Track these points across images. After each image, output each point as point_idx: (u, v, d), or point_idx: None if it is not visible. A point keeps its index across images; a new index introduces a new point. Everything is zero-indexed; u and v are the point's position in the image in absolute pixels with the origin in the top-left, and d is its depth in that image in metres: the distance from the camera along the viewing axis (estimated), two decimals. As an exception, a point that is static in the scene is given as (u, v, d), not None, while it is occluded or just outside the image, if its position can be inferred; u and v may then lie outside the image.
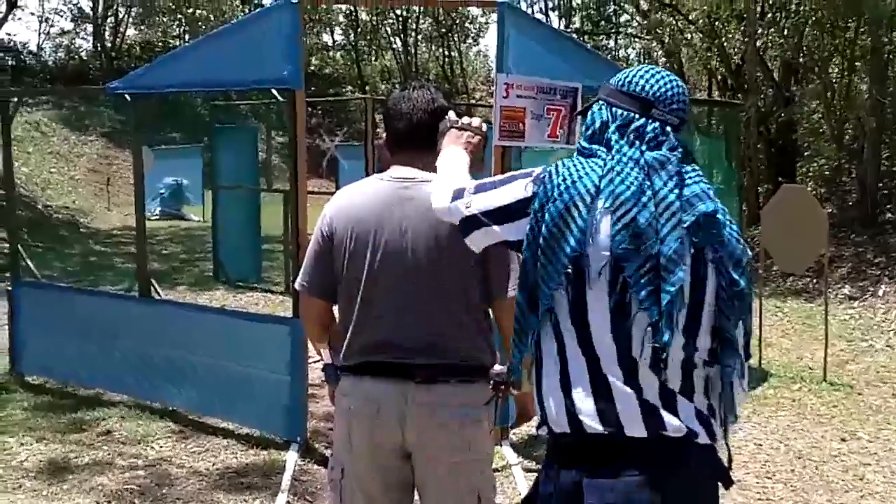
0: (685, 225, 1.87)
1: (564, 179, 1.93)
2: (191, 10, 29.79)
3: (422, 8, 31.72)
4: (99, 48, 33.45)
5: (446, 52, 36.67)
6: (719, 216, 1.92)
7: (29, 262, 7.31)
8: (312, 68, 33.17)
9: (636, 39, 30.75)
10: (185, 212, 21.66)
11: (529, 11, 32.63)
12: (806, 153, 15.81)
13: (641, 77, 2.02)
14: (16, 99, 7.86)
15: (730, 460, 2.01)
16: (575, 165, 1.96)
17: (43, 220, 17.58)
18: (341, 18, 36.60)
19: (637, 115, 1.98)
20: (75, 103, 26.21)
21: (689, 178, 1.94)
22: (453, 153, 2.42)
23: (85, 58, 33.66)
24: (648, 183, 1.88)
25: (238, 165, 11.95)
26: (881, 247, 11.36)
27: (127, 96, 6.39)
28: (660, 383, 1.89)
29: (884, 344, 8.54)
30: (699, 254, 1.89)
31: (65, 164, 23.61)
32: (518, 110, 5.29)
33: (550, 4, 36.42)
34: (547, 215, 1.91)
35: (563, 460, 1.98)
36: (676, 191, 1.89)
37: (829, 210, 12.44)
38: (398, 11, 34.48)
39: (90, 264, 14.36)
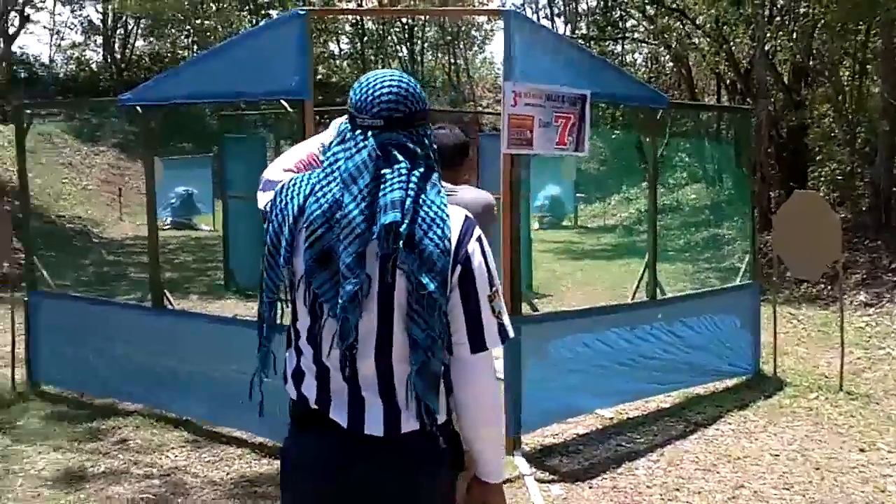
0: (374, 236, 2.00)
1: (281, 201, 2.13)
2: (199, 21, 29.87)
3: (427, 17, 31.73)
4: (109, 59, 33.69)
5: (452, 60, 36.69)
6: (404, 227, 1.99)
7: (44, 273, 7.32)
8: (319, 77, 33.20)
9: (643, 44, 30.71)
10: (196, 221, 21.69)
11: (535, 18, 32.66)
12: (818, 157, 15.72)
13: (353, 90, 2.15)
14: (30, 111, 7.88)
15: (452, 452, 2.16)
16: (295, 185, 2.13)
17: (56, 231, 17.64)
18: (347, 28, 36.66)
19: (349, 127, 2.13)
20: (87, 115, 26.30)
21: (390, 184, 2.03)
22: (331, 127, 2.41)
23: (95, 69, 33.88)
24: (342, 199, 2.03)
25: (248, 174, 11.92)
26: (896, 252, 11.28)
27: (138, 108, 6.40)
28: (343, 379, 2.09)
29: (900, 351, 8.47)
30: (386, 262, 2.01)
31: (77, 175, 23.69)
32: (526, 118, 5.28)
33: (556, 11, 36.56)
34: (268, 234, 2.16)
35: (291, 417, 2.25)
36: (363, 204, 2.01)
37: (843, 215, 12.35)
38: (404, 20, 34.53)
39: (104, 274, 14.38)
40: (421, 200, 2.03)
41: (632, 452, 5.64)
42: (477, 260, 2.08)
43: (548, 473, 5.25)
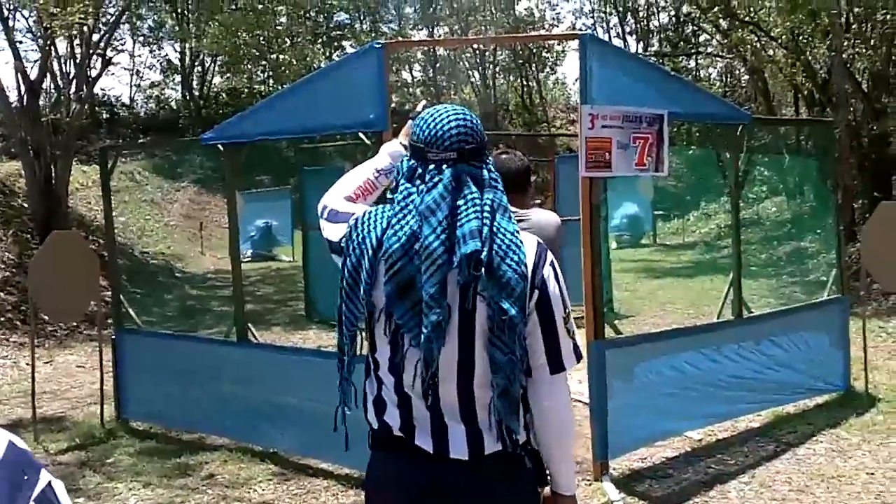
0: (455, 266, 2.04)
1: (359, 235, 2.18)
2: (274, 56, 30.45)
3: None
4: (187, 97, 34.48)
5: (525, 82, 36.72)
6: (483, 255, 2.04)
7: (130, 310, 7.51)
8: (393, 105, 33.44)
9: (717, 58, 30.34)
10: (276, 253, 22.03)
11: (607, 37, 32.52)
12: (902, 166, 15.29)
13: (418, 126, 2.20)
14: (114, 152, 8.12)
15: (536, 471, 2.23)
16: (370, 219, 2.19)
17: (140, 267, 18.06)
18: (420, 55, 36.99)
19: (419, 163, 2.17)
20: (168, 152, 26.97)
21: (465, 215, 2.08)
22: (381, 152, 2.55)
23: (174, 107, 34.74)
24: (419, 232, 2.08)
25: (327, 206, 12.10)
26: None
27: (220, 146, 6.55)
28: (426, 407, 2.14)
29: None
30: (466, 290, 2.07)
31: (159, 212, 24.28)
32: (604, 140, 5.25)
33: (627, 29, 36.38)
34: (346, 268, 2.20)
35: (371, 446, 2.29)
36: (443, 236, 2.06)
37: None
38: (475, 45, 34.69)
39: (187, 309, 14.69)
40: (496, 228, 2.10)
41: (723, 474, 5.53)
42: (552, 284, 2.16)
43: (637, 499, 5.18)
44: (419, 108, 2.53)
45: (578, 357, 2.21)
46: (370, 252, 2.13)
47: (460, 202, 2.09)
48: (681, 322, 10.54)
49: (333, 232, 2.30)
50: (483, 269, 2.04)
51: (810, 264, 14.97)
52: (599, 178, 5.56)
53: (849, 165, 14.85)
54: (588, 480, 5.37)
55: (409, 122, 2.51)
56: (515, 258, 2.08)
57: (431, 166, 2.13)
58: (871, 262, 7.45)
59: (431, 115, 2.20)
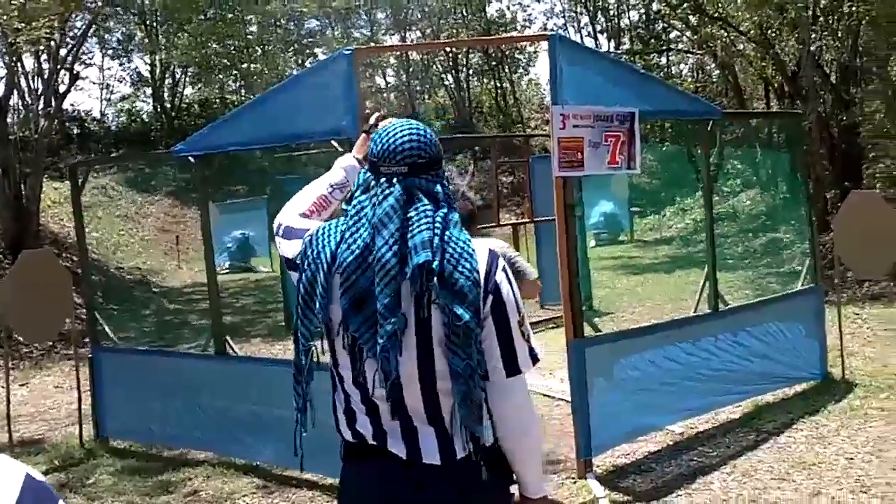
0: (408, 276, 2.07)
1: (313, 250, 2.20)
2: (245, 65, 30.34)
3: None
4: (159, 109, 34.25)
5: (498, 84, 36.75)
6: (434, 264, 2.07)
7: (106, 327, 7.44)
8: (367, 111, 33.36)
9: (688, 55, 30.51)
10: (254, 264, 21.93)
11: (578, 37, 32.63)
12: (871, 155, 15.45)
13: (374, 141, 2.24)
14: (85, 168, 8.04)
15: (503, 473, 2.24)
16: (325, 234, 2.21)
17: (116, 283, 17.95)
18: (392, 60, 36.93)
19: (371, 176, 2.21)
20: (140, 165, 26.76)
21: (417, 226, 2.11)
22: (335, 166, 2.56)
23: (146, 120, 34.48)
24: (373, 244, 2.11)
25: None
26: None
27: (191, 158, 6.51)
28: (391, 414, 2.17)
29: (972, 345, 8.25)
30: (421, 299, 2.09)
31: (133, 226, 24.10)
32: (576, 140, 5.27)
33: (598, 28, 36.47)
34: (301, 284, 2.20)
35: (344, 457, 2.31)
36: (395, 247, 2.09)
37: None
38: (448, 49, 34.74)
39: (165, 323, 14.60)
40: (447, 238, 2.13)
41: (705, 467, 5.56)
42: (505, 289, 2.18)
43: (622, 494, 5.19)
44: (372, 120, 2.56)
45: (534, 360, 2.22)
46: (325, 266, 2.15)
47: (412, 213, 2.13)
48: (660, 317, 10.58)
49: (289, 249, 2.31)
50: (435, 279, 2.07)
51: (785, 255, 15.10)
52: (573, 178, 5.58)
53: (819, 156, 14.99)
54: (573, 478, 5.39)
55: (363, 135, 2.56)
56: (468, 266, 2.11)
57: (383, 179, 2.18)
58: (844, 251, 7.51)
59: (386, 130, 2.24)
